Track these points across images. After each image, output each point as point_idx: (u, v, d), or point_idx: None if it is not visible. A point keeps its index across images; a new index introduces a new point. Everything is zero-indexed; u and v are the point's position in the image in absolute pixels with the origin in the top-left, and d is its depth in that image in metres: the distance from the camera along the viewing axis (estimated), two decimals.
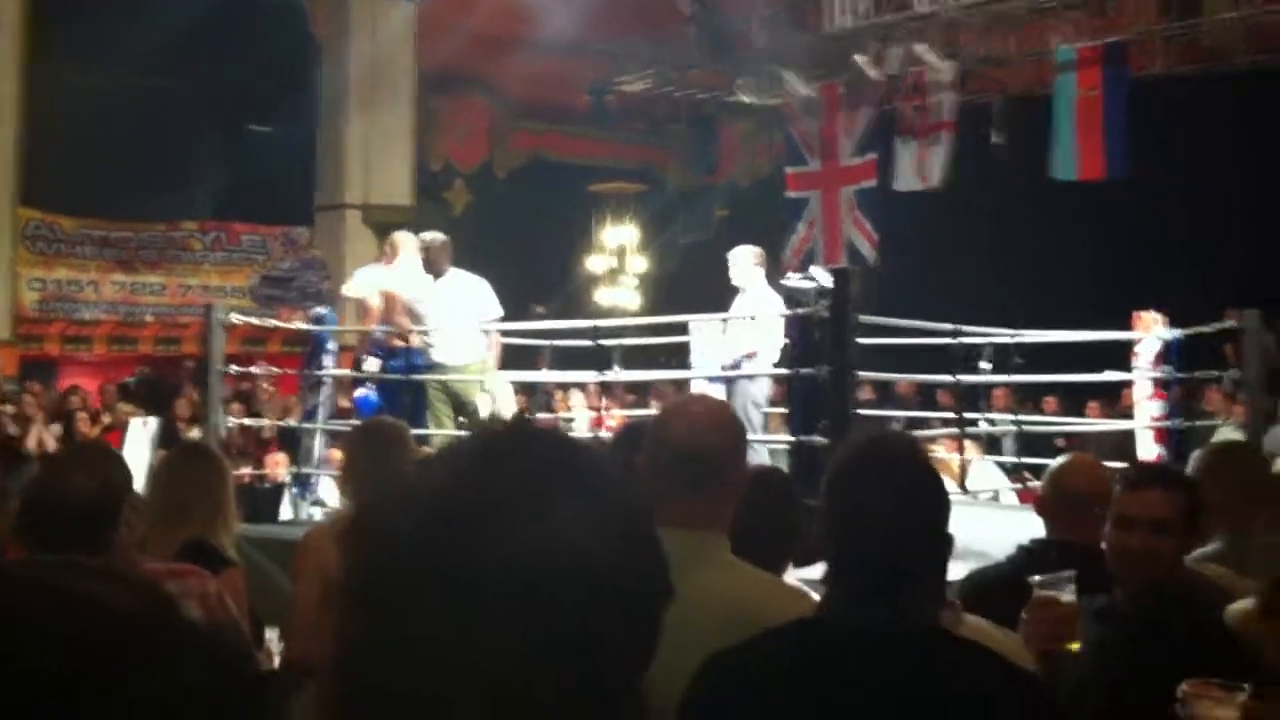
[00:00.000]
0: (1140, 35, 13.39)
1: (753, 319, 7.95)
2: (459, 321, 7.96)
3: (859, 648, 1.80)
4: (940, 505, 1.92)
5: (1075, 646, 2.53)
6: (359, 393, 8.86)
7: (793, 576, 5.43)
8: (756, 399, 7.89)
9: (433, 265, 8.04)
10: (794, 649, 1.86)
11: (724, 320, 8.39)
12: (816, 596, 2.32)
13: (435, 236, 8.22)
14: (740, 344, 8.05)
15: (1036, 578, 2.59)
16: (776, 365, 7.63)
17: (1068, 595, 2.55)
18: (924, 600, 1.86)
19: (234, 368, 8.96)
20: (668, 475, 2.18)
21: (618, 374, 8.61)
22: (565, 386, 11.33)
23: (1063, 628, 2.50)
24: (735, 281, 8.30)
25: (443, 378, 7.99)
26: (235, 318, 8.80)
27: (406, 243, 8.45)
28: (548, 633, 0.81)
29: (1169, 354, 8.28)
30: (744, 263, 8.26)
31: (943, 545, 1.91)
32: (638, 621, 0.84)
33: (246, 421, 10.24)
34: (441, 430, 7.79)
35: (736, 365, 7.97)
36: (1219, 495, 3.16)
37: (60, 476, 2.74)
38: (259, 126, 15.77)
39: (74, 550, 2.42)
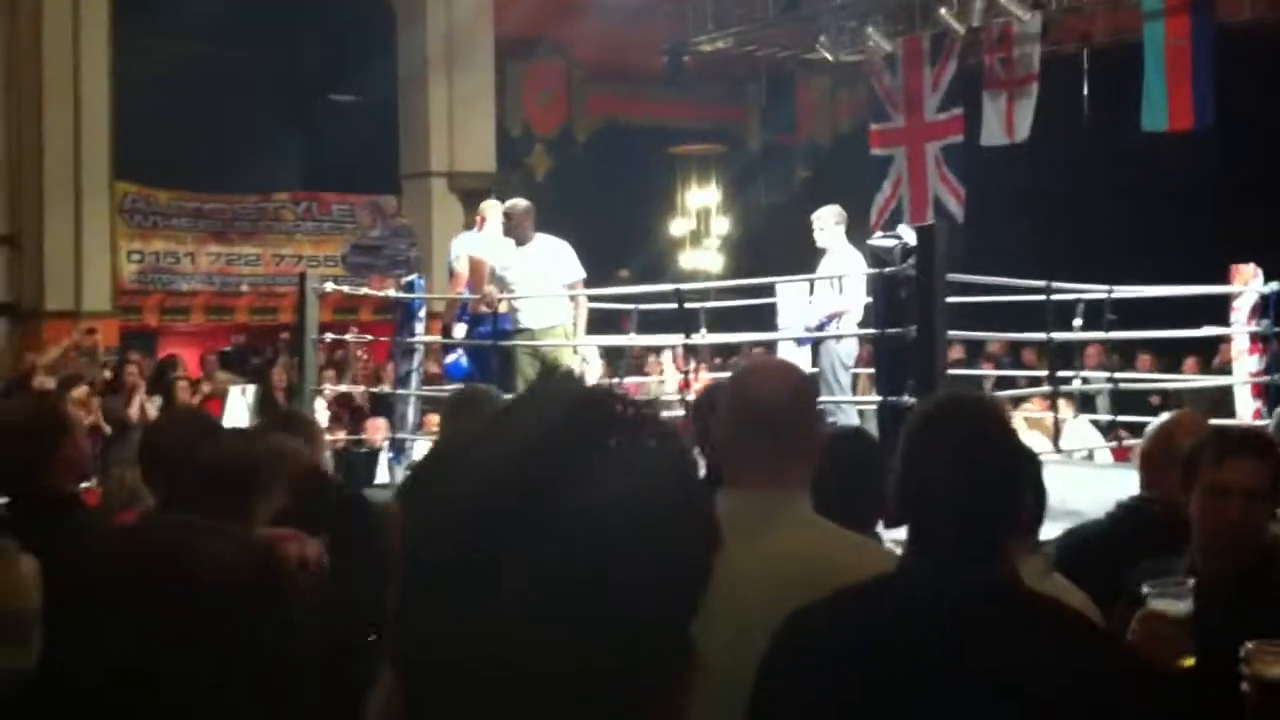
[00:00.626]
0: None
1: (839, 280, 7.94)
2: (544, 286, 8.03)
3: (931, 605, 1.82)
4: (1014, 463, 1.92)
5: (1189, 663, 2.31)
6: (449, 358, 9.00)
7: (885, 537, 5.46)
8: (844, 359, 7.89)
9: (516, 231, 8.11)
10: (870, 606, 1.89)
11: (810, 281, 8.39)
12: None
13: (518, 202, 8.29)
14: (826, 305, 8.06)
15: (1146, 587, 2.39)
16: (863, 325, 7.62)
17: (1182, 605, 2.34)
18: (997, 557, 1.86)
19: (328, 335, 9.14)
20: (741, 437, 2.23)
21: (703, 337, 8.66)
22: (652, 350, 11.38)
23: (1174, 644, 2.32)
24: (819, 243, 8.29)
25: (530, 343, 8.07)
26: (328, 286, 8.95)
27: (494, 210, 8.53)
28: (605, 588, 0.80)
29: (1267, 308, 8.12)
30: (827, 223, 8.24)
31: (1018, 502, 1.93)
32: (690, 570, 0.84)
33: (341, 388, 10.44)
34: None
35: (822, 327, 7.97)
36: None
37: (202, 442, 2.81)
38: (340, 96, 15.95)
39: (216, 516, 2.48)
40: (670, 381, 10.65)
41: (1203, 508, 2.62)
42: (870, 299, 7.09)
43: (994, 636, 1.78)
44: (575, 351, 8.22)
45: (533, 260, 8.07)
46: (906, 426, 1.98)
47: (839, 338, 7.88)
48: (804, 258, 8.65)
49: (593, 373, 9.08)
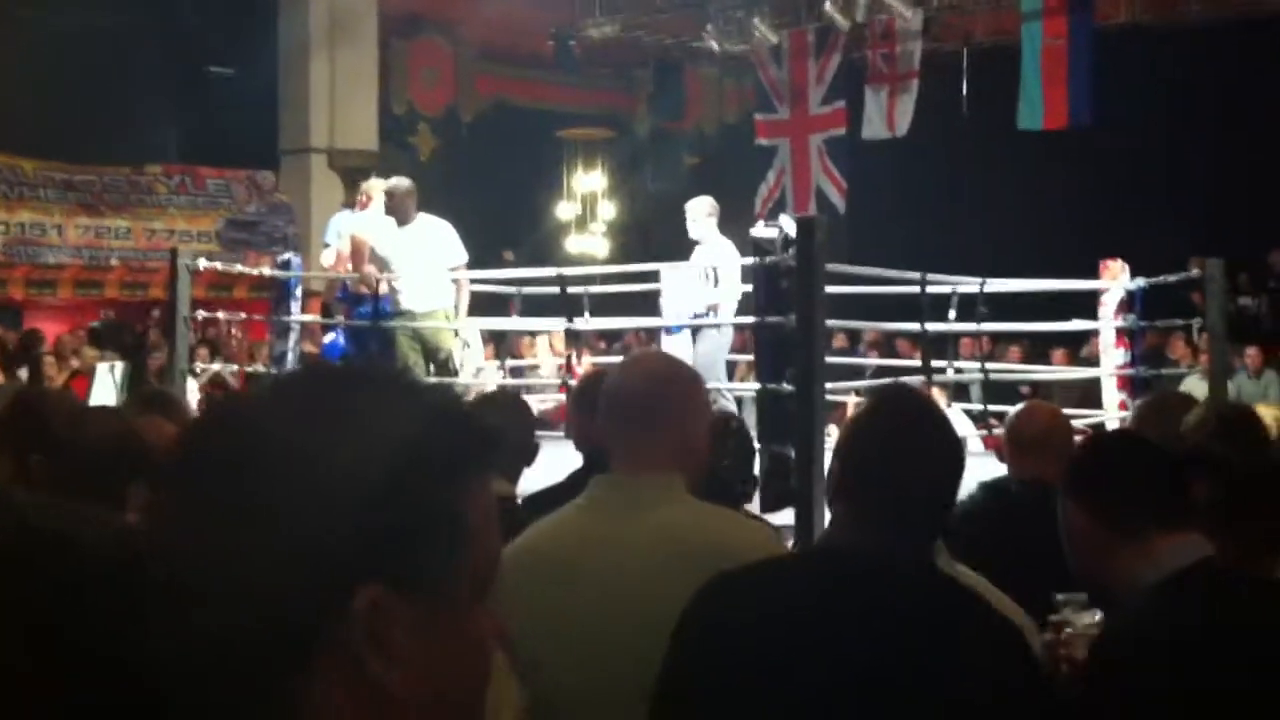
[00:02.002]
0: None
1: (714, 271, 8.01)
2: (425, 267, 7.94)
3: (860, 576, 1.89)
4: (957, 454, 2.05)
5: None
6: (327, 338, 8.87)
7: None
8: (723, 348, 7.97)
9: (398, 211, 8.01)
10: (796, 574, 1.98)
11: (691, 271, 8.43)
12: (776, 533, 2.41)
13: (400, 182, 8.17)
14: (703, 297, 8.11)
15: (1060, 595, 2.43)
16: (744, 314, 7.68)
17: (1091, 616, 2.37)
18: (926, 539, 1.98)
19: (201, 313, 8.92)
20: (613, 427, 2.29)
21: (586, 322, 8.64)
22: (535, 333, 11.33)
23: (1080, 652, 2.32)
24: (692, 234, 8.35)
25: (410, 324, 7.98)
26: (201, 263, 8.74)
27: (378, 189, 8.42)
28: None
29: (1133, 303, 8.38)
30: (699, 215, 8.28)
31: (952, 491, 2.04)
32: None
33: (214, 367, 10.21)
34: None
35: (699, 318, 8.05)
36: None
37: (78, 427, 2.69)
38: (220, 69, 15.58)
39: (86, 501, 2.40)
40: (546, 365, 10.63)
41: None
42: (751, 287, 7.14)
43: (915, 610, 1.86)
44: (456, 335, 8.15)
45: (414, 241, 7.97)
46: (863, 411, 2.12)
47: (719, 326, 7.95)
48: (690, 245, 8.69)
49: (474, 356, 9.02)
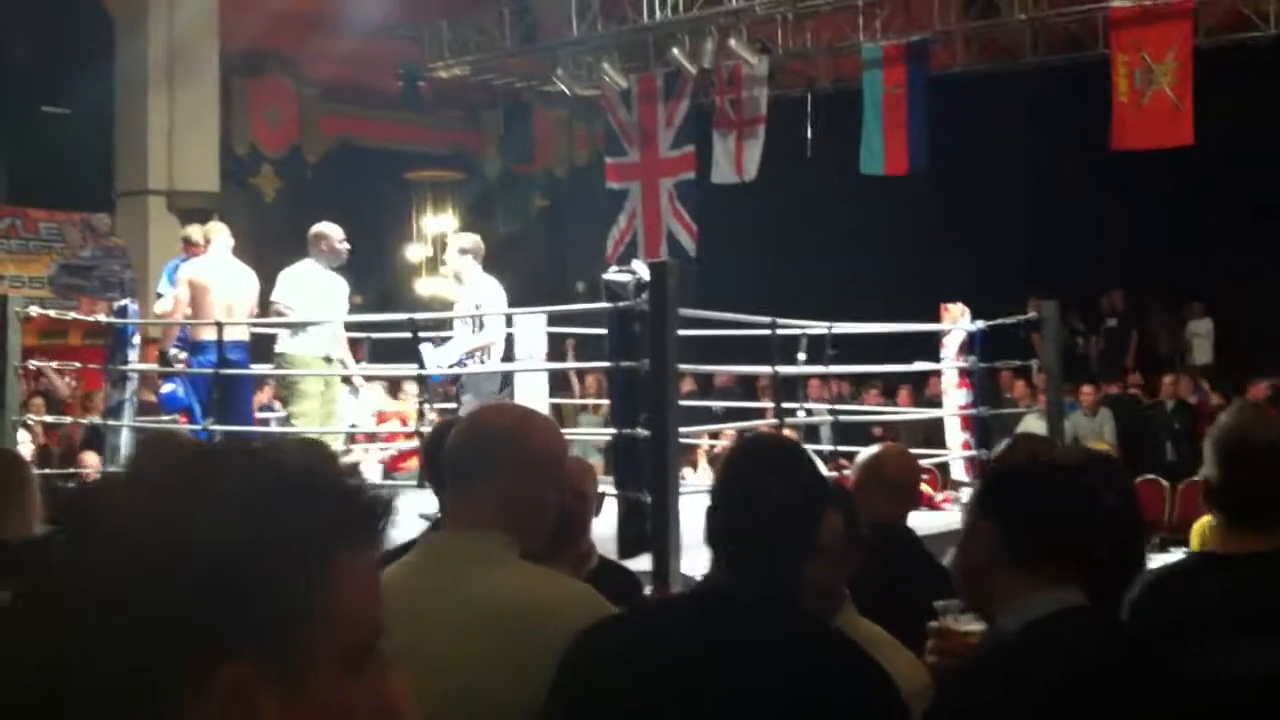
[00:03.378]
0: (940, 34, 13.90)
1: (478, 314, 7.81)
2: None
3: (725, 619, 1.95)
4: (814, 494, 2.11)
5: None
6: (165, 389, 8.58)
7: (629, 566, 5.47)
8: (493, 391, 7.80)
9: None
10: (664, 620, 2.05)
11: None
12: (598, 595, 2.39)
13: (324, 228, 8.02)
14: (467, 341, 7.83)
15: (939, 603, 2.49)
16: (594, 358, 7.67)
17: (972, 623, 2.40)
18: (790, 576, 2.02)
19: (32, 362, 8.56)
20: (450, 478, 2.28)
21: (436, 368, 8.52)
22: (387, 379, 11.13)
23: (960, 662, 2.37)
24: (447, 271, 8.23)
25: (274, 372, 7.87)
26: (33, 309, 8.40)
27: (219, 232, 8.23)
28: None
29: (973, 344, 8.62)
30: (451, 253, 8.15)
31: (811, 528, 2.08)
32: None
33: (48, 419, 9.81)
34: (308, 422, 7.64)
35: (462, 363, 7.74)
36: None
37: None
38: (53, 108, 15.05)
39: None
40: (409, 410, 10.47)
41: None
42: (605, 331, 7.13)
43: (785, 652, 1.92)
44: (348, 381, 8.07)
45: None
46: (734, 455, 2.21)
47: (491, 374, 7.79)
48: (542, 287, 8.66)
49: (362, 402, 8.89)
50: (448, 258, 8.09)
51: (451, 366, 7.78)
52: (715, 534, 2.07)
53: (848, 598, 2.60)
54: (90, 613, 0.83)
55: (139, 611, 0.82)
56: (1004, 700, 1.81)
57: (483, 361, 7.78)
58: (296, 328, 7.78)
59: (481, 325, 7.80)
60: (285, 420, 7.96)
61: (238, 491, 0.86)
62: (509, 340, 8.67)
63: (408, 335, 7.95)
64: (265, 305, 8.20)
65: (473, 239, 8.19)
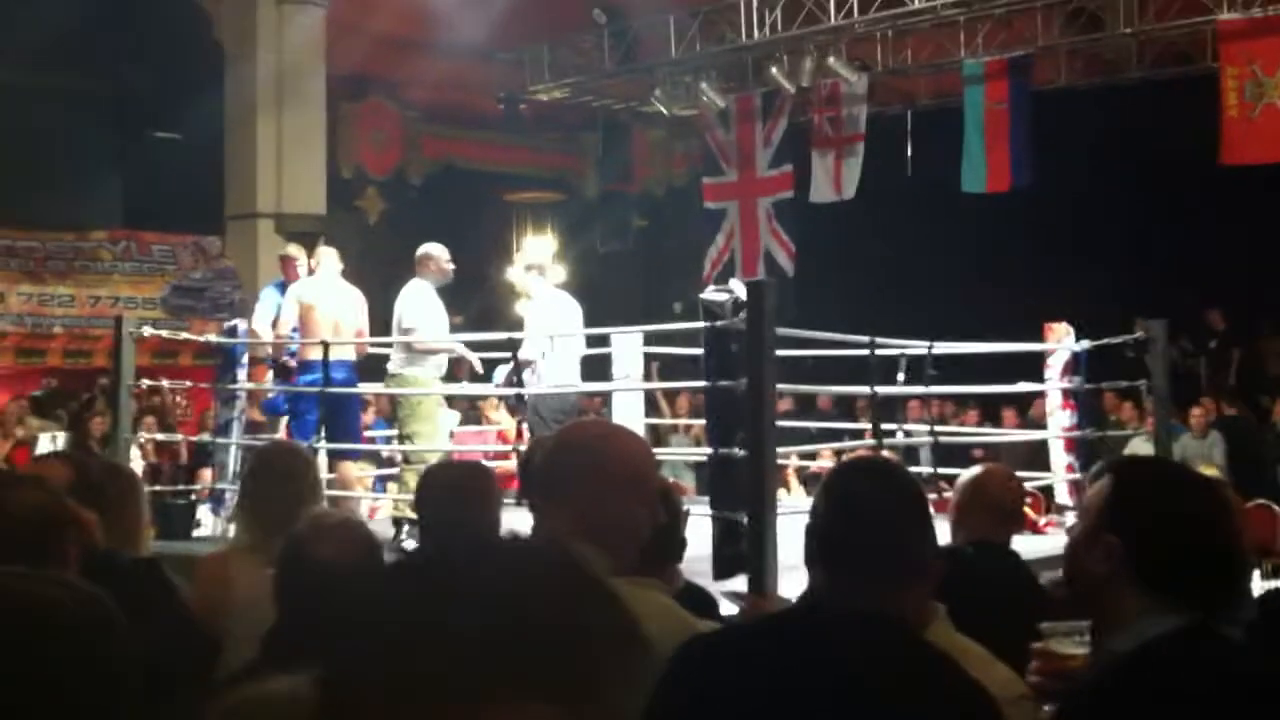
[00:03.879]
0: (1043, 49, 13.71)
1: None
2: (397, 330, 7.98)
3: (826, 638, 1.92)
4: (916, 511, 2.13)
5: None
6: (269, 395, 8.77)
7: (714, 588, 5.46)
8: (550, 410, 7.80)
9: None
10: (765, 638, 1.99)
11: (643, 332, 8.43)
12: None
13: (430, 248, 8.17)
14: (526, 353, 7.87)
15: (1044, 625, 2.47)
16: (692, 378, 7.67)
17: (1075, 647, 2.38)
18: (906, 598, 2.05)
19: (145, 381, 8.80)
20: (534, 494, 2.38)
21: (536, 387, 8.59)
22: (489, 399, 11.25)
23: (1066, 683, 2.31)
24: (518, 289, 8.27)
25: (385, 390, 8.01)
26: (146, 330, 8.64)
27: (327, 255, 8.39)
28: None
29: (1078, 365, 8.46)
30: (518, 271, 8.26)
31: (917, 545, 2.11)
32: None
33: (159, 436, 10.07)
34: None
35: (517, 380, 7.74)
36: None
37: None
38: (165, 134, 15.50)
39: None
40: (508, 427, 10.57)
41: None
42: (702, 352, 7.14)
43: (890, 670, 1.88)
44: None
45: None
46: (837, 477, 2.23)
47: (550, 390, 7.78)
48: (640, 307, 8.69)
49: (449, 420, 9.00)
50: (515, 276, 8.19)
51: (512, 384, 7.84)
52: (814, 550, 2.09)
53: (937, 610, 2.57)
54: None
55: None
56: (1160, 714, 1.75)
57: (532, 378, 7.78)
58: (412, 348, 7.88)
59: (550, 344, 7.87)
60: (398, 439, 8.06)
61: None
62: (606, 360, 8.72)
63: (507, 355, 8.06)
64: (375, 325, 8.33)
65: (539, 255, 8.30)
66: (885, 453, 8.17)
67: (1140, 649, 1.78)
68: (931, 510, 2.21)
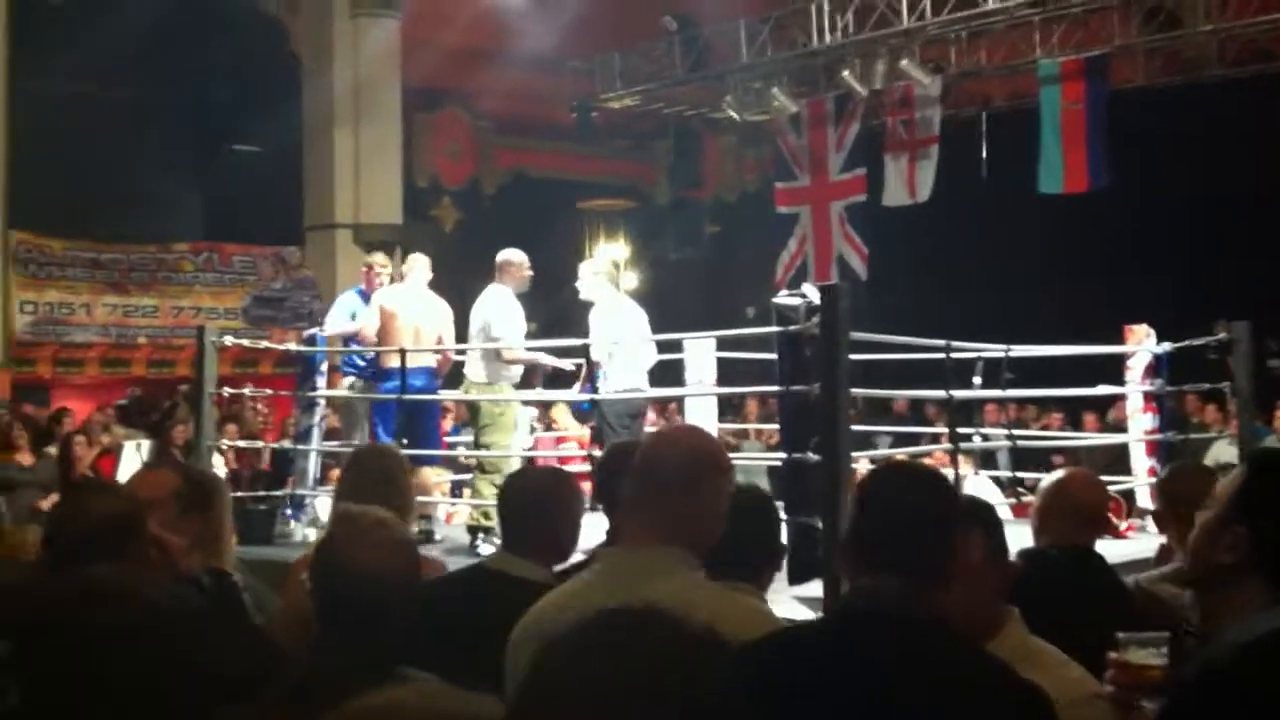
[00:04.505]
0: (1120, 48, 13.52)
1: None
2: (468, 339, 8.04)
3: (876, 638, 1.97)
4: (953, 514, 2.15)
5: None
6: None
7: (789, 593, 5.43)
8: (618, 414, 7.74)
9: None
10: (811, 643, 2.06)
11: (715, 338, 8.42)
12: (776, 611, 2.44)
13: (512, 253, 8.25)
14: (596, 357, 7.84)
15: (1122, 635, 2.44)
16: (764, 383, 7.64)
17: (1152, 658, 2.37)
18: (933, 590, 2.03)
19: (226, 389, 8.94)
20: (639, 498, 2.35)
21: (612, 393, 8.62)
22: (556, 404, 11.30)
23: (1141, 694, 2.33)
24: (583, 296, 8.22)
25: (465, 397, 8.07)
26: (227, 339, 8.79)
27: (417, 263, 8.47)
28: None
29: (1159, 367, 8.32)
30: (585, 278, 8.20)
31: (946, 548, 2.09)
32: None
33: (240, 444, 10.24)
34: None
35: (593, 387, 7.71)
36: (1176, 511, 3.31)
37: (85, 497, 2.83)
38: (244, 146, 15.79)
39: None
40: (575, 435, 10.60)
41: None
42: (776, 356, 7.13)
43: (924, 664, 1.92)
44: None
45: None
46: (869, 482, 2.24)
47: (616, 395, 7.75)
48: (711, 313, 8.68)
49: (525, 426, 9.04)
50: (581, 284, 8.17)
51: (581, 390, 7.86)
52: (849, 550, 2.12)
53: (1011, 613, 2.54)
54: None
55: None
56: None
57: (604, 378, 7.76)
58: (500, 356, 7.93)
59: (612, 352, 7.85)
60: (477, 446, 8.08)
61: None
62: (679, 366, 8.72)
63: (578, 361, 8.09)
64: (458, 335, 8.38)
65: (603, 261, 8.28)
66: (961, 457, 8.10)
67: (1258, 640, 1.73)
68: (957, 512, 2.23)
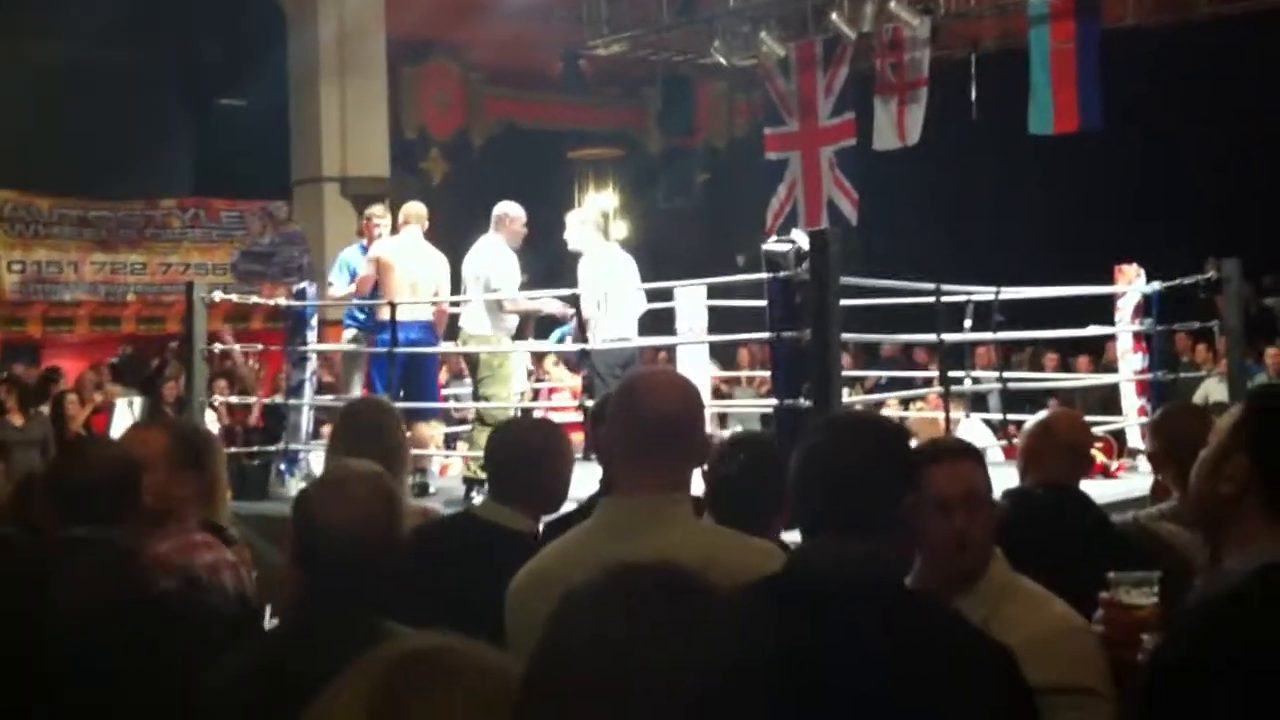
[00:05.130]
0: None
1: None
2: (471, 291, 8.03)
3: (828, 597, 1.91)
4: (904, 460, 2.06)
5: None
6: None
7: (786, 539, 5.47)
8: (610, 363, 7.75)
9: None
10: (770, 601, 1.96)
11: (706, 285, 8.41)
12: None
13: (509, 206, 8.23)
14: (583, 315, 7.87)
15: (1112, 574, 2.43)
16: (757, 329, 7.65)
17: (1143, 598, 2.37)
18: (887, 548, 1.97)
19: (216, 345, 8.94)
20: (630, 446, 2.33)
21: (599, 343, 8.63)
22: (547, 355, 11.31)
23: (1132, 634, 2.30)
24: (571, 246, 8.20)
25: (462, 349, 8.08)
26: (217, 295, 8.77)
27: (414, 214, 8.42)
28: None
29: (1149, 307, 8.33)
30: (572, 229, 8.18)
31: (897, 496, 2.01)
32: None
33: (232, 400, 10.24)
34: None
35: (584, 336, 7.76)
36: (1170, 451, 3.37)
37: (83, 451, 2.86)
38: (230, 100, 15.67)
39: (97, 523, 2.49)
40: (566, 385, 10.62)
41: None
42: (766, 303, 7.12)
43: (884, 628, 1.88)
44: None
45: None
46: (807, 432, 2.14)
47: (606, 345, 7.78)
48: (703, 261, 8.66)
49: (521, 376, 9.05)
50: (569, 235, 8.15)
51: (573, 340, 7.85)
52: (801, 513, 2.06)
53: (994, 553, 2.54)
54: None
55: None
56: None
57: (584, 334, 7.77)
58: (501, 307, 7.93)
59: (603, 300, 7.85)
60: (476, 397, 8.08)
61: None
62: (670, 314, 8.72)
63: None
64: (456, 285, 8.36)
65: (591, 211, 8.28)
66: (953, 401, 8.12)
67: (1261, 570, 1.70)
68: (908, 456, 2.13)
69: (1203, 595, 1.81)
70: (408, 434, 7.65)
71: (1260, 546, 1.76)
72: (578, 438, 9.55)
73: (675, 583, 1.15)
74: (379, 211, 8.92)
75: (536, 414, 9.28)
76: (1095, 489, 4.08)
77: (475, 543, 3.02)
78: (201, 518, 3.41)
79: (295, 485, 8.05)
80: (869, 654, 1.84)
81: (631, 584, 1.15)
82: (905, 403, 9.79)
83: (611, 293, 7.83)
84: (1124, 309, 8.45)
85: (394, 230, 8.55)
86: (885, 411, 9.17)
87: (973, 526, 2.48)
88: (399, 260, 8.15)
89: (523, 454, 3.15)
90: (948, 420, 7.80)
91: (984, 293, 8.10)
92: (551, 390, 10.84)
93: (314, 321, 8.66)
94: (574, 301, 7.87)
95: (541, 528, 3.45)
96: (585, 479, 3.80)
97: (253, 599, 3.11)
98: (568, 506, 3.54)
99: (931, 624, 1.97)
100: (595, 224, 8.20)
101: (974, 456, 2.67)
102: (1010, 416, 8.28)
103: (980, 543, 2.49)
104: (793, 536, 3.00)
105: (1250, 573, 1.72)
